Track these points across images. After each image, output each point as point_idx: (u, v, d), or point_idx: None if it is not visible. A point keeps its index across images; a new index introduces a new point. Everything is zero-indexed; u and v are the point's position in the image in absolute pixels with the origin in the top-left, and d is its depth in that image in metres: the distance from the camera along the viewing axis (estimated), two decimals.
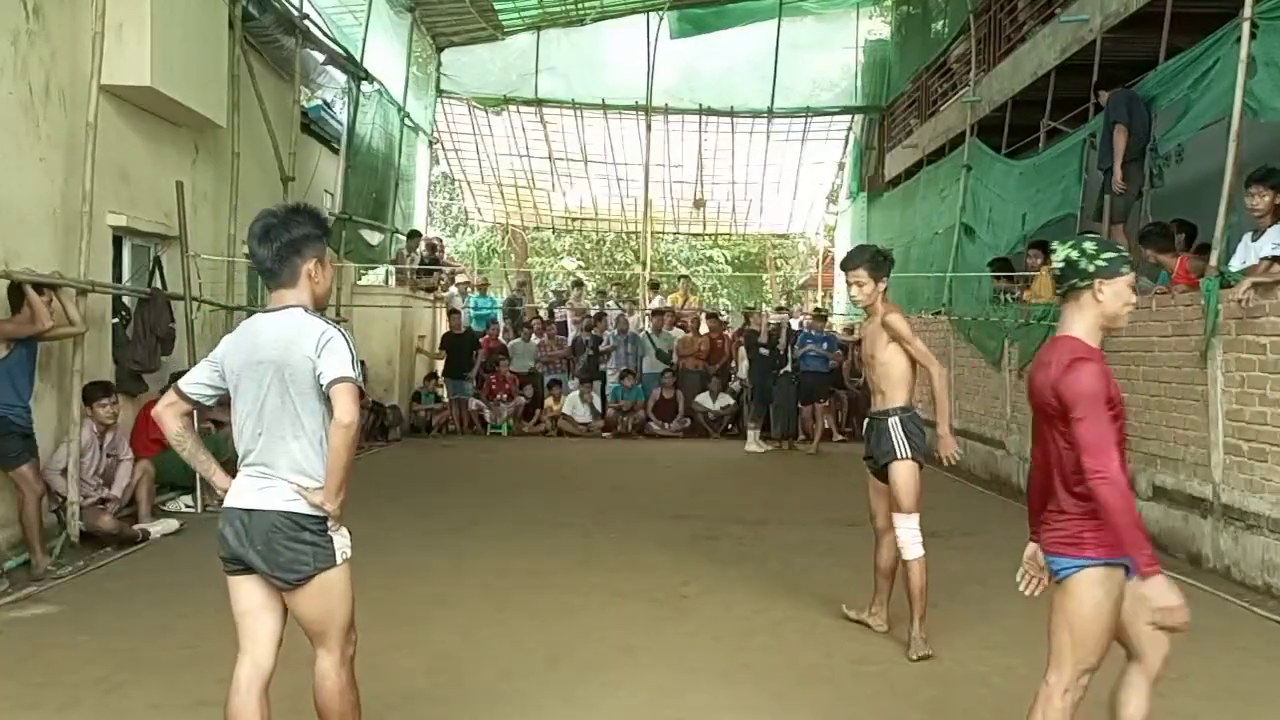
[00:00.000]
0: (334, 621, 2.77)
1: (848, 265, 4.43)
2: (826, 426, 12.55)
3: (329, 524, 2.71)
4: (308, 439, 2.69)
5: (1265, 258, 5.48)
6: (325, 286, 2.85)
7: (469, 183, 20.06)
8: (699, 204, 19.94)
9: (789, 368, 12.03)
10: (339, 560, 2.74)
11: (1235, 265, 5.82)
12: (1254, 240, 5.77)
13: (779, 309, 13.10)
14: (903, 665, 4.20)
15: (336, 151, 12.66)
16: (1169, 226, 6.79)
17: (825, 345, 12.27)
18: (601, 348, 13.88)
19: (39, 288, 5.77)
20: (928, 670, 4.14)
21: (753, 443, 11.88)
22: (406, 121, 14.95)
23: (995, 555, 6.44)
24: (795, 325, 13.38)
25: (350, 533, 2.80)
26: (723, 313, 17.11)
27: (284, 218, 2.77)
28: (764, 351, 12.11)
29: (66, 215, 6.44)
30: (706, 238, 23.83)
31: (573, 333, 14.63)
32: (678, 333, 14.17)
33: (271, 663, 2.88)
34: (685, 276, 20.34)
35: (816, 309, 16.08)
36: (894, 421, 4.38)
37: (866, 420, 4.59)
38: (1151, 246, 6.65)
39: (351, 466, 2.69)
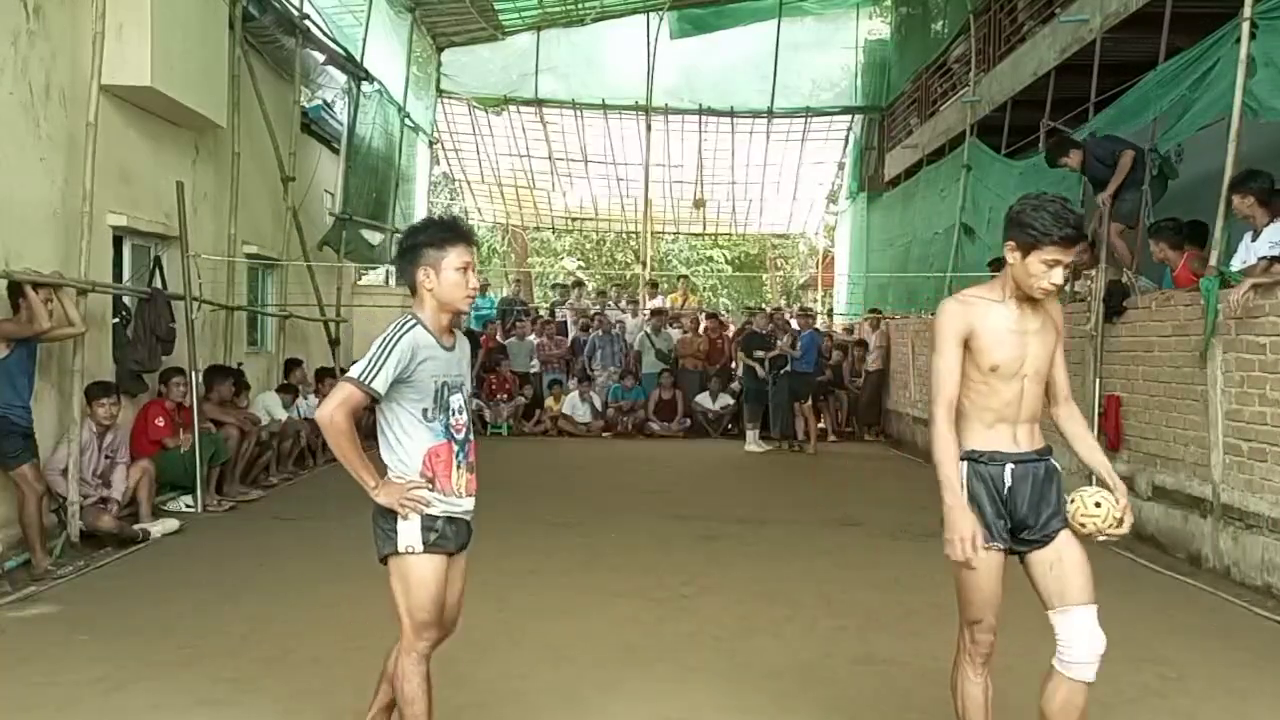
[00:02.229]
0: (400, 606, 2.83)
1: (1068, 240, 2.66)
2: (822, 426, 12.55)
3: (400, 514, 2.76)
4: (382, 434, 2.83)
5: (1263, 258, 5.49)
6: (446, 292, 2.79)
7: (469, 183, 20.08)
8: (699, 204, 19.95)
9: (787, 368, 12.03)
10: (400, 549, 2.77)
11: (1236, 265, 5.82)
12: (1254, 240, 5.78)
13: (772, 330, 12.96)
14: (903, 665, 4.20)
15: (337, 151, 12.65)
16: (1183, 224, 6.80)
17: (801, 345, 12.13)
18: (586, 350, 13.91)
19: (39, 288, 5.77)
20: (928, 670, 4.14)
21: (752, 443, 11.88)
22: (407, 121, 14.95)
23: None
24: (795, 325, 13.39)
25: (433, 530, 2.79)
26: (722, 313, 17.13)
27: (407, 231, 2.93)
28: (759, 354, 12.10)
29: (67, 215, 6.44)
30: (706, 238, 23.85)
31: (572, 333, 14.64)
32: (675, 333, 14.18)
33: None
34: (685, 276, 20.34)
35: (803, 308, 16.11)
36: (1057, 467, 2.91)
37: (989, 466, 2.76)
38: (1164, 240, 6.66)
39: (352, 461, 2.72)
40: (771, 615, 4.92)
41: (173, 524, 6.63)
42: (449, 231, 2.81)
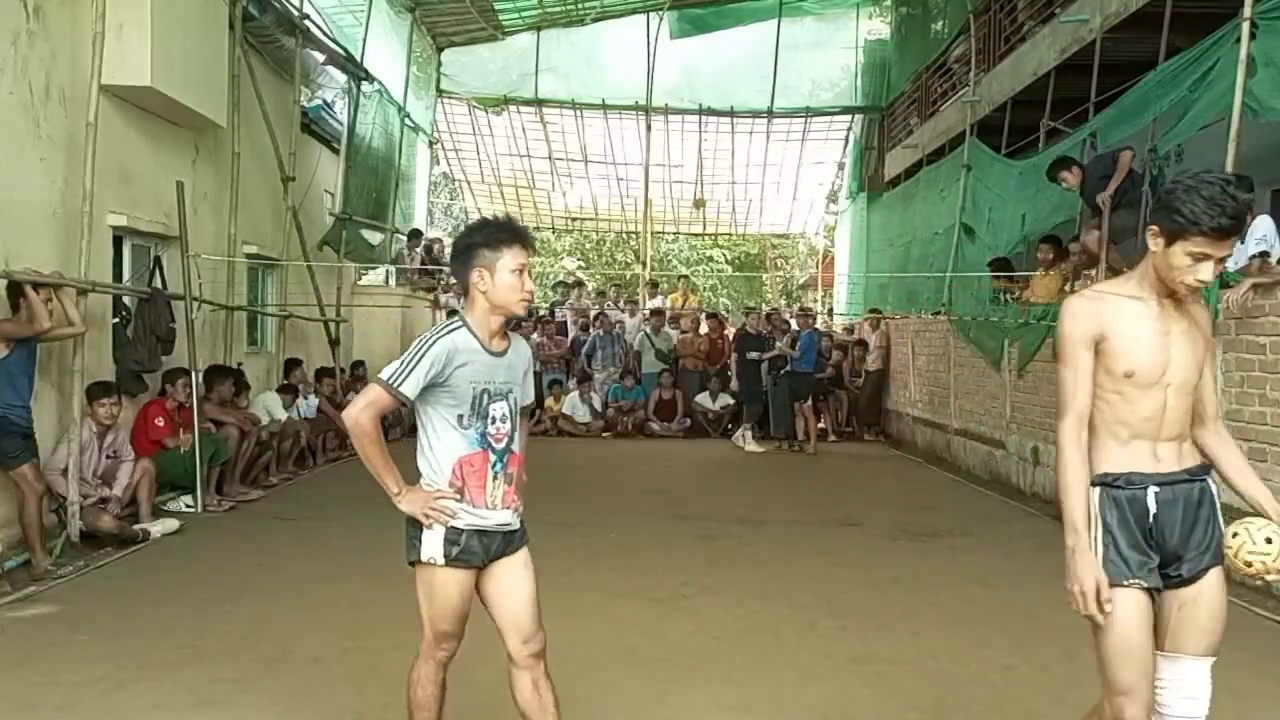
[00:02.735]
0: (422, 613, 2.80)
1: (1220, 232, 2.19)
2: (822, 426, 12.55)
3: (424, 524, 2.72)
4: (419, 437, 2.81)
5: (1253, 256, 5.50)
6: (501, 295, 2.68)
7: (469, 183, 20.08)
8: (699, 204, 19.95)
9: (786, 368, 12.03)
10: (422, 558, 2.73)
11: (1231, 266, 5.83)
12: (1242, 241, 5.79)
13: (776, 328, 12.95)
14: (903, 665, 4.20)
15: (337, 151, 12.66)
16: None
17: (801, 344, 12.11)
18: (584, 350, 13.92)
19: (39, 287, 5.77)
20: (928, 670, 4.15)
21: (749, 442, 11.87)
22: (407, 121, 14.95)
23: (995, 555, 6.45)
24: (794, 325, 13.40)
25: (455, 543, 2.72)
26: (723, 313, 17.13)
27: (463, 231, 2.85)
28: (753, 355, 12.10)
29: (67, 215, 6.44)
30: (706, 238, 23.85)
31: (572, 332, 14.65)
32: (674, 333, 14.18)
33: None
34: (685, 276, 20.34)
35: (802, 308, 16.11)
36: (1214, 490, 2.47)
37: (1126, 491, 2.33)
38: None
39: (376, 465, 2.71)
40: (771, 615, 4.92)
41: (173, 524, 6.63)
42: (505, 232, 2.71)
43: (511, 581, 2.80)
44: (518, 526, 2.82)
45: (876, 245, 15.70)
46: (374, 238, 13.76)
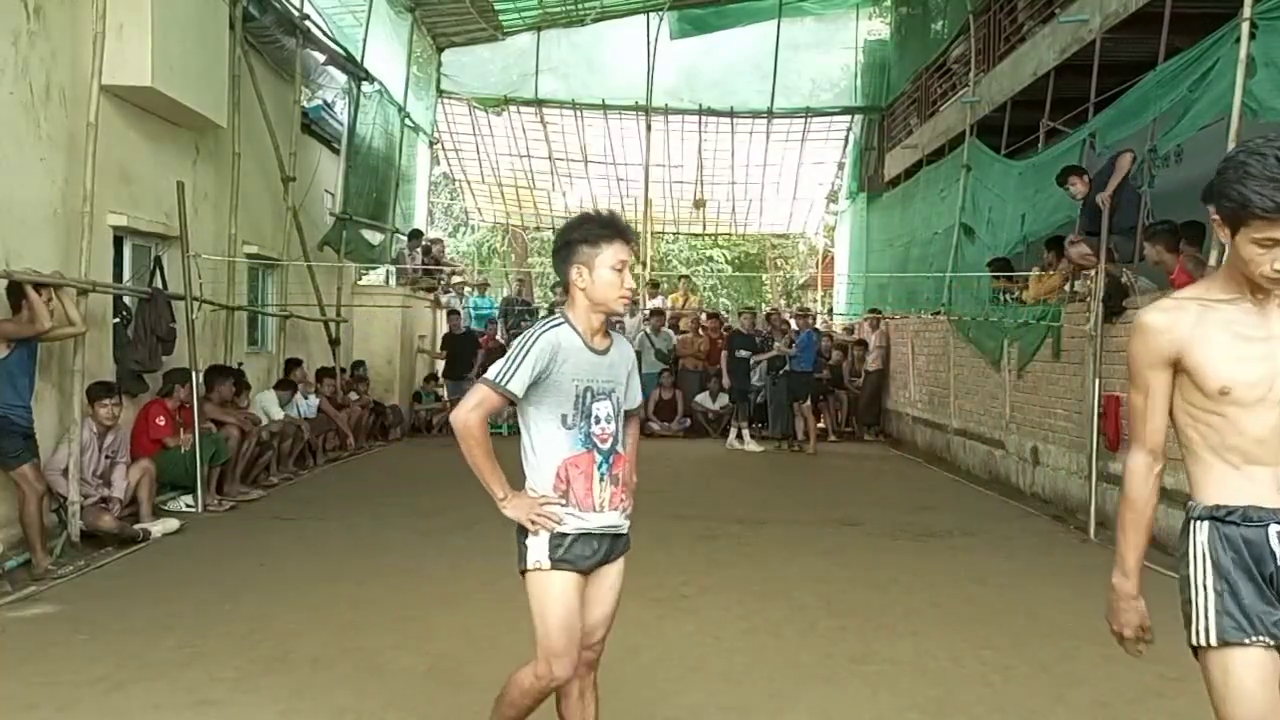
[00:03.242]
0: (536, 627, 2.62)
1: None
2: (821, 426, 12.55)
3: (529, 530, 2.61)
4: (521, 440, 2.72)
5: None
6: (600, 292, 2.61)
7: (469, 183, 20.08)
8: (699, 204, 19.95)
9: (785, 368, 12.03)
10: (528, 565, 2.62)
11: None
12: None
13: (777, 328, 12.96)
14: (902, 665, 4.21)
15: (337, 152, 12.67)
16: (1177, 226, 6.81)
17: (799, 344, 12.13)
18: None
19: (39, 288, 5.77)
20: (928, 670, 4.15)
21: (747, 442, 11.83)
22: (407, 122, 14.96)
23: (995, 555, 6.46)
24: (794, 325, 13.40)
25: (560, 546, 2.59)
26: (723, 313, 17.13)
27: (563, 227, 2.75)
28: (743, 354, 12.10)
29: (67, 215, 6.45)
30: (706, 238, 23.85)
31: None
32: (673, 333, 14.19)
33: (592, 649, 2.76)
34: (685, 276, 20.35)
35: (800, 308, 16.12)
36: None
37: (1242, 528, 2.00)
38: (1160, 243, 6.68)
39: (483, 470, 2.61)
40: (771, 615, 4.93)
41: (173, 524, 6.64)
42: (605, 228, 2.63)
43: (601, 590, 2.71)
44: (626, 529, 2.75)
45: (876, 245, 15.71)
46: (374, 238, 13.77)
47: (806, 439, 11.83)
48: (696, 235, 23.15)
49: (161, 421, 7.21)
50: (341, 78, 12.55)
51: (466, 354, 13.63)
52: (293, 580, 5.46)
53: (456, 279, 16.59)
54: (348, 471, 9.72)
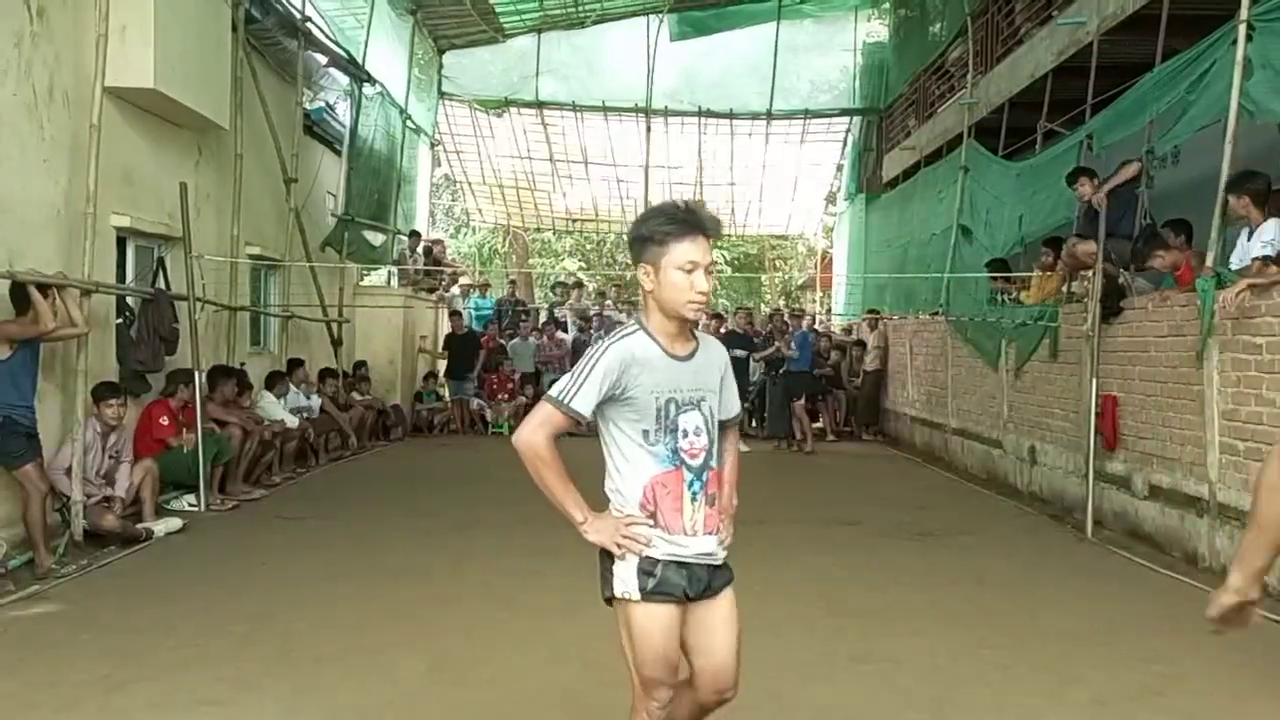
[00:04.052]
0: (627, 658, 2.41)
1: None
2: (820, 426, 12.55)
3: (616, 553, 2.36)
4: (606, 459, 2.46)
5: (1256, 258, 5.52)
6: (666, 295, 2.33)
7: (470, 184, 20.10)
8: (698, 205, 19.96)
9: (784, 368, 12.05)
10: (616, 593, 2.38)
11: (1234, 262, 5.86)
12: (1248, 240, 5.82)
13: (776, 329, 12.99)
14: (902, 665, 4.23)
15: (339, 153, 12.70)
16: (1158, 229, 6.89)
17: (794, 344, 12.17)
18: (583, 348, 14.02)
19: (42, 289, 5.80)
20: (928, 670, 4.17)
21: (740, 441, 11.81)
22: (408, 123, 14.99)
23: (994, 554, 6.48)
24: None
25: (650, 575, 2.35)
26: (723, 313, 17.15)
27: (636, 219, 2.46)
28: (738, 353, 12.11)
29: (70, 216, 6.47)
30: None
31: (571, 333, 14.70)
32: None
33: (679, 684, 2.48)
34: None
35: (794, 309, 16.13)
36: None
37: None
38: (1159, 248, 6.72)
39: (555, 492, 2.38)
40: (771, 615, 4.94)
41: (176, 523, 6.66)
42: (675, 222, 2.33)
43: (712, 624, 2.43)
44: (723, 559, 2.47)
45: (875, 246, 15.73)
46: (376, 239, 13.79)
47: (804, 438, 11.85)
48: None
49: (165, 421, 7.24)
50: (343, 79, 12.59)
51: (468, 354, 13.67)
52: (294, 579, 5.49)
53: (464, 280, 16.64)
54: (350, 471, 9.74)
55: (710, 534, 2.41)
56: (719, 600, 2.44)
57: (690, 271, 2.31)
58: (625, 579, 2.36)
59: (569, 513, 2.38)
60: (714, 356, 2.49)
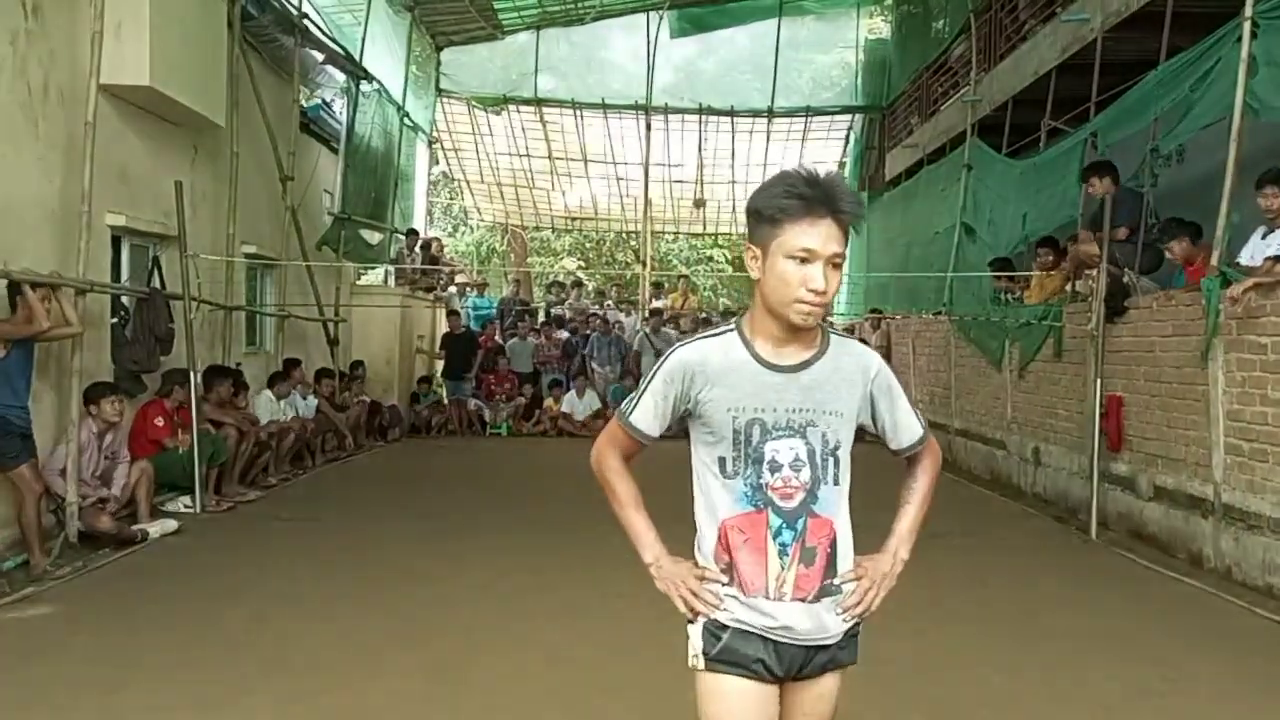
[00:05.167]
0: None
1: None
2: None
3: (680, 609, 1.97)
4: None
5: (1269, 258, 5.48)
6: (769, 288, 1.82)
7: (469, 182, 20.07)
8: (699, 204, 19.93)
9: None
10: (688, 658, 1.93)
11: (1245, 258, 5.81)
12: (1263, 238, 5.77)
13: None
14: (902, 665, 4.19)
15: (336, 151, 12.65)
16: (1191, 223, 6.84)
17: None
18: (584, 350, 14.00)
19: (37, 288, 5.76)
20: (928, 670, 4.13)
21: None
22: (406, 121, 14.95)
23: (995, 555, 6.45)
24: None
25: (716, 639, 1.88)
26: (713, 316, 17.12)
27: (757, 188, 1.89)
28: None
29: (65, 215, 6.43)
30: (706, 238, 23.82)
31: (563, 333, 14.69)
32: (673, 332, 14.19)
33: None
34: (685, 276, 20.33)
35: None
36: None
37: None
38: (1173, 237, 6.67)
39: (621, 520, 2.02)
40: None
41: (171, 524, 6.62)
42: (795, 196, 1.78)
43: (793, 716, 1.93)
44: (830, 637, 1.89)
45: (877, 245, 15.70)
46: (373, 237, 13.76)
47: None
48: (696, 235, 23.12)
49: (160, 422, 7.19)
50: (340, 77, 12.54)
51: (466, 354, 13.64)
52: (291, 581, 5.45)
53: (461, 278, 16.60)
54: (346, 472, 9.71)
55: (802, 601, 1.85)
56: (815, 687, 1.90)
57: (804, 262, 1.78)
58: (693, 643, 1.92)
59: (638, 546, 1.98)
60: (849, 368, 1.94)
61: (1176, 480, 6.29)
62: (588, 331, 14.33)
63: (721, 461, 1.88)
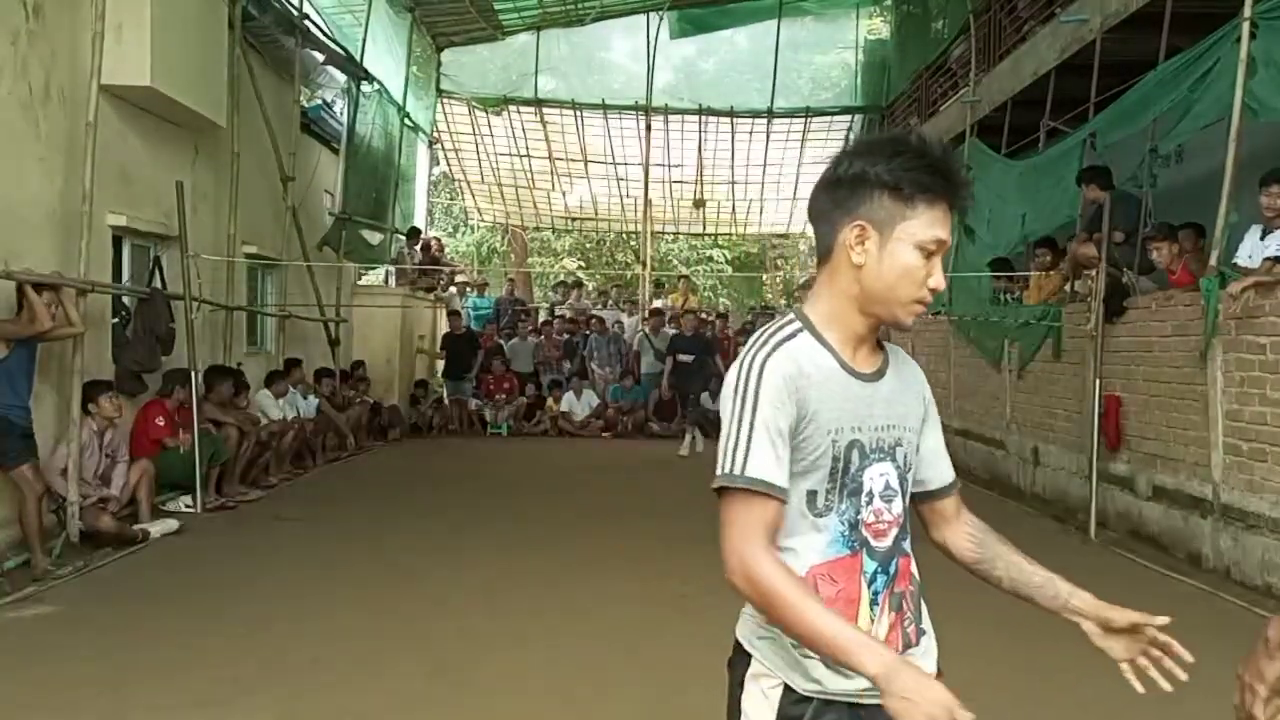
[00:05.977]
0: None
1: None
2: None
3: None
4: None
5: (1268, 258, 5.48)
6: (886, 281, 1.54)
7: (469, 182, 20.07)
8: (699, 204, 19.94)
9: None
10: None
11: (1242, 256, 5.81)
12: (1261, 238, 5.77)
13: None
14: None
15: (336, 151, 12.66)
16: (1174, 227, 6.85)
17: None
18: (586, 349, 14.01)
19: (39, 288, 5.77)
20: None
21: (683, 445, 11.39)
22: (406, 121, 14.96)
23: None
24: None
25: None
26: (725, 312, 17.13)
27: (852, 150, 1.53)
28: (685, 359, 12.03)
29: (66, 215, 6.44)
30: (706, 238, 23.81)
31: (563, 336, 14.70)
32: (673, 332, 14.19)
33: None
34: (685, 276, 20.34)
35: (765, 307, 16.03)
36: None
37: None
38: (1158, 241, 6.68)
39: (811, 635, 1.38)
40: None
41: (172, 524, 6.63)
42: (931, 173, 1.46)
43: None
44: None
45: None
46: (373, 238, 13.76)
47: None
48: (696, 235, 23.11)
49: (161, 422, 7.20)
50: (341, 77, 12.55)
51: (466, 354, 13.65)
52: (292, 581, 5.46)
53: (460, 278, 16.60)
54: (347, 472, 9.71)
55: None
56: None
57: (931, 255, 1.53)
58: (754, 710, 1.51)
59: (857, 661, 1.34)
60: (910, 378, 1.65)
61: (1175, 480, 6.29)
62: (586, 332, 14.34)
63: (811, 496, 1.48)
